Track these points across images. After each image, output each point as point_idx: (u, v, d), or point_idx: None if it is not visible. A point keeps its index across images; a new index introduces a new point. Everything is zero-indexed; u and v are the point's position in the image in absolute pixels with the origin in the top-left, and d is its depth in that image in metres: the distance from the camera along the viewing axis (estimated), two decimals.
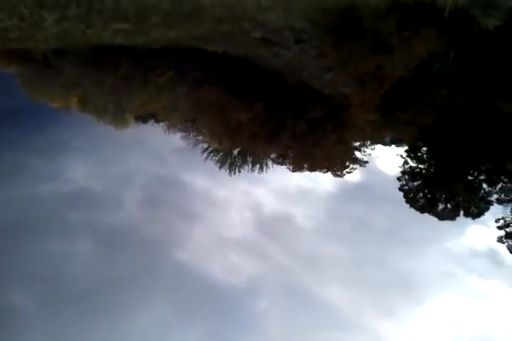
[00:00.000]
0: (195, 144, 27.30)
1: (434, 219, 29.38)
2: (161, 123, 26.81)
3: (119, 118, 24.86)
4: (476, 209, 28.32)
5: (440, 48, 19.19)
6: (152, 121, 27.26)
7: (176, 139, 26.88)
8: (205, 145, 27.65)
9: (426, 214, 29.44)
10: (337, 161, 26.74)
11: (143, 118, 26.89)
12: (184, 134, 26.65)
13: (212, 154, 27.98)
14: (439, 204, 29.12)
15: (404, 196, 29.60)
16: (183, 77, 22.83)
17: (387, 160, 32.58)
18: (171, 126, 26.28)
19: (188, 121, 25.36)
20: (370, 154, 28.76)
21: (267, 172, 29.12)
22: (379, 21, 18.08)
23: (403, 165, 29.39)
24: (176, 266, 37.62)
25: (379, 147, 29.62)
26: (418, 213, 29.50)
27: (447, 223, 29.15)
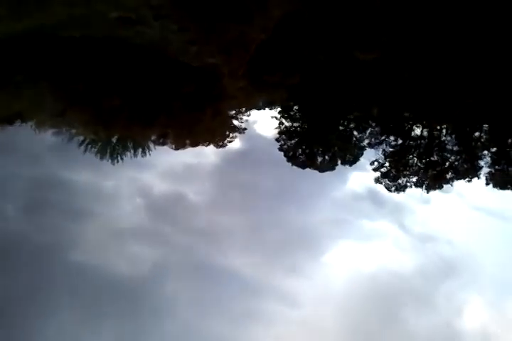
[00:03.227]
0: (70, 138, 26.15)
1: (316, 173, 31.25)
2: (29, 123, 25.16)
3: None
4: (351, 157, 30.55)
5: (296, 8, 20.12)
6: (19, 121, 25.47)
7: (49, 137, 25.52)
8: (81, 138, 26.61)
9: (308, 169, 31.18)
10: (217, 133, 27.14)
11: (8, 120, 25.01)
12: (56, 130, 25.33)
13: (90, 146, 27.02)
14: (318, 157, 30.93)
15: (285, 155, 31.03)
16: (44, 70, 21.55)
17: (264, 123, 33.86)
18: (41, 124, 24.78)
19: (57, 116, 24.08)
20: (247, 120, 29.63)
21: (150, 155, 28.90)
22: None
23: (279, 125, 30.71)
24: (76, 269, 36.20)
25: (254, 112, 30.62)
26: (301, 169, 31.15)
27: (329, 174, 31.16)
